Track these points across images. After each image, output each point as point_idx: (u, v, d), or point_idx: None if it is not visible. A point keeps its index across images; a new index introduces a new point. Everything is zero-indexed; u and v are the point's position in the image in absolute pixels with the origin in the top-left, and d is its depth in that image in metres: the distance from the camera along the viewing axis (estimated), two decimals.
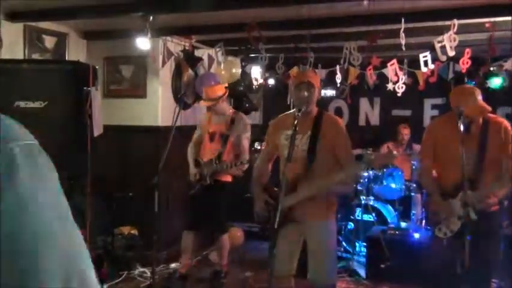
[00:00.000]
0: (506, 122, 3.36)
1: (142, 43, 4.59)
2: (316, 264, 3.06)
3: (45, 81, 3.15)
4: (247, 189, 3.91)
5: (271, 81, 6.45)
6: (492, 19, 4.23)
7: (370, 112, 7.70)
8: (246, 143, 4.42)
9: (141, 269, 4.94)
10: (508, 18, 4.11)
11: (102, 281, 4.25)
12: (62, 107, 3.10)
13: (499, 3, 3.81)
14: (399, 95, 5.44)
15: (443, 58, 4.14)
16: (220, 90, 4.57)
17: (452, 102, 3.34)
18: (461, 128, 3.03)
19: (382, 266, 4.72)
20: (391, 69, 4.94)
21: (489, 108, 3.22)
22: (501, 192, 3.26)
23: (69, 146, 3.14)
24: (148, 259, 4.68)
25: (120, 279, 4.70)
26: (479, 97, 3.23)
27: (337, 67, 5.27)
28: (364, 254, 5.26)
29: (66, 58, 5.09)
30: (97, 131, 3.28)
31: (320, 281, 3.06)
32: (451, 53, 3.99)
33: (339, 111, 7.78)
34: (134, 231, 5.20)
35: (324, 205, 3.07)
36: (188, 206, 4.69)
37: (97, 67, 3.37)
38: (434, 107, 7.05)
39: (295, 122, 2.96)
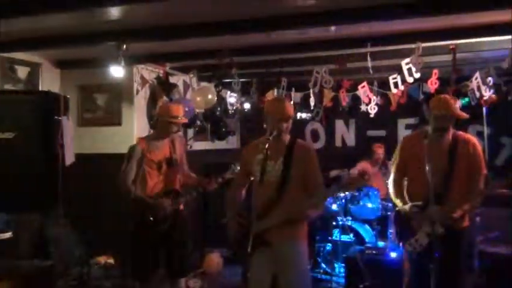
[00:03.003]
0: (474, 139, 3.47)
1: (116, 71, 4.61)
2: (288, 285, 3.07)
3: (15, 112, 3.14)
4: (223, 215, 3.85)
5: (247, 106, 6.53)
6: (456, 41, 4.40)
7: (346, 133, 7.81)
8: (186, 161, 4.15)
9: None
10: (469, 40, 4.29)
11: None
12: (32, 137, 3.08)
13: (460, 26, 3.96)
14: (372, 116, 5.56)
15: (411, 80, 4.26)
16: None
17: (431, 106, 3.44)
18: (426, 142, 3.13)
19: (361, 286, 4.73)
20: (362, 91, 5.06)
21: (465, 115, 3.36)
22: (468, 208, 3.34)
23: (40, 177, 3.12)
24: None
25: None
26: (457, 105, 3.39)
27: (311, 90, 5.37)
28: (343, 275, 5.26)
29: (40, 88, 5.09)
30: (69, 160, 3.27)
31: None
32: (417, 75, 4.12)
33: (315, 134, 7.88)
34: (111, 261, 5.13)
35: (293, 227, 3.09)
36: (144, 251, 3.87)
37: (68, 96, 3.38)
38: (408, 126, 7.19)
39: (266, 146, 3.01)
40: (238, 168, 3.90)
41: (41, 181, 3.15)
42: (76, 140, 5.18)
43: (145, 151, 3.89)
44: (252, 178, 3.28)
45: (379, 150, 6.56)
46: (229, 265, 5.82)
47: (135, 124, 5.42)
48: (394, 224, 4.94)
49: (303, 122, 7.59)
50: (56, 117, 3.14)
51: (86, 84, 5.53)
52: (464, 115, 3.39)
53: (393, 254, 4.85)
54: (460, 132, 3.49)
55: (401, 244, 3.68)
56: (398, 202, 3.54)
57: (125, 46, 4.29)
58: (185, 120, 4.15)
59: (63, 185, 3.32)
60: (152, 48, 4.85)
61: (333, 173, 7.05)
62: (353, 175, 6.36)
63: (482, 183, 3.37)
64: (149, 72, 5.51)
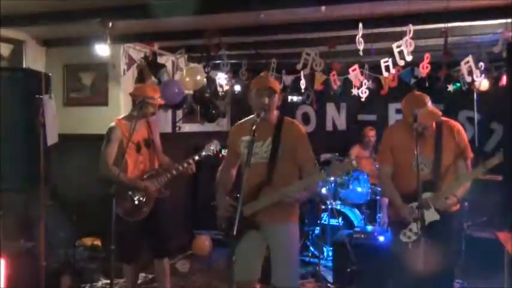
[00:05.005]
0: (458, 125, 3.43)
1: (102, 50, 4.50)
2: (279, 268, 3.04)
3: None
4: (213, 197, 3.82)
5: (237, 88, 6.46)
6: (449, 24, 4.32)
7: (336, 117, 7.77)
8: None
9: (105, 281, 4.82)
10: (462, 23, 4.22)
11: None
12: (11, 116, 2.99)
13: (453, 9, 3.89)
14: (363, 100, 5.52)
15: (402, 63, 4.20)
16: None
17: (404, 109, 3.39)
18: (414, 133, 3.08)
19: (349, 270, 4.73)
20: (353, 74, 4.99)
21: (439, 112, 3.28)
22: (459, 193, 3.32)
23: (19, 157, 3.04)
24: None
25: None
26: (429, 103, 3.28)
27: (301, 73, 5.29)
28: (331, 258, 5.27)
29: (24, 66, 4.97)
30: (51, 140, 3.18)
31: (283, 285, 3.04)
32: (409, 58, 4.05)
33: (306, 117, 7.83)
34: (97, 243, 5.08)
35: (284, 209, 3.04)
36: (127, 234, 3.83)
37: (50, 74, 3.27)
38: (398, 111, 7.14)
39: (254, 128, 2.94)
40: (213, 146, 3.86)
41: (21, 161, 3.07)
42: (61, 120, 5.11)
43: (124, 132, 3.82)
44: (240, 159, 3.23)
45: (371, 133, 6.52)
46: (219, 247, 5.81)
47: (122, 104, 5.32)
48: (387, 213, 4.95)
49: (294, 105, 7.54)
50: (36, 95, 3.04)
51: (72, 63, 5.41)
52: (438, 113, 3.28)
53: (381, 238, 4.84)
54: (444, 119, 3.43)
55: (394, 235, 3.63)
56: (388, 191, 3.50)
57: (110, 24, 4.18)
58: (161, 102, 4.11)
59: (47, 166, 3.24)
60: (139, 27, 4.73)
61: (324, 156, 7.03)
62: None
63: (470, 167, 3.36)
64: (137, 51, 5.40)
